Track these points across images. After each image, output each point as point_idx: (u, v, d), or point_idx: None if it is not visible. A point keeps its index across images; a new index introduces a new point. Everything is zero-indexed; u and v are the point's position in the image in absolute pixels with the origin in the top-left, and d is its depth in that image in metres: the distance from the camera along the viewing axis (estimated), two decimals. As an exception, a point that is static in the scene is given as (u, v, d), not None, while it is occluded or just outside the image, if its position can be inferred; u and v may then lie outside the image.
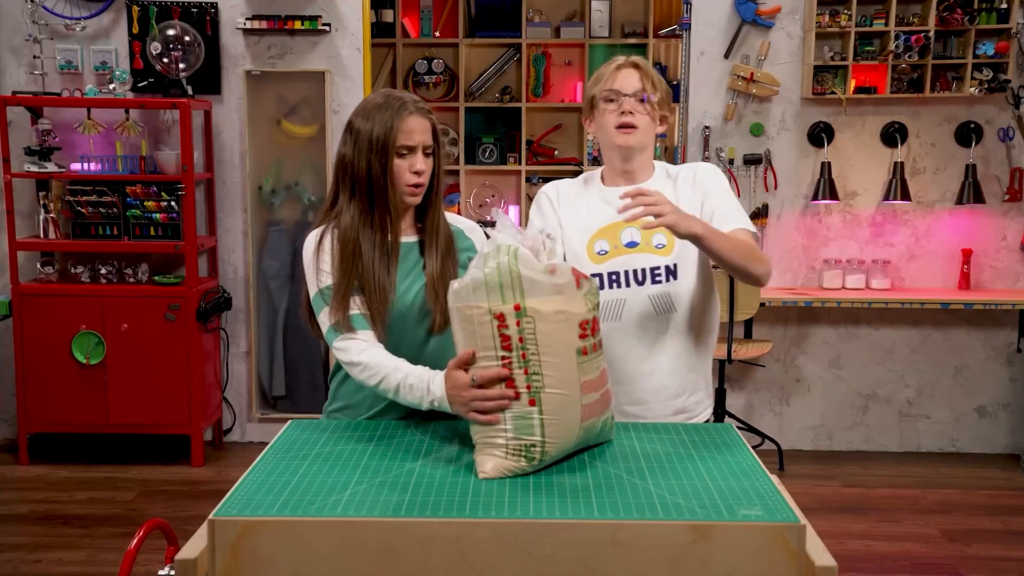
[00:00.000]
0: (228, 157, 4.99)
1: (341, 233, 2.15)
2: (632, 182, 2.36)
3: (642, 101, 2.30)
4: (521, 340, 1.77)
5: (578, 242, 2.35)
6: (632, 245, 2.32)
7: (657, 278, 2.31)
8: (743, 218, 2.32)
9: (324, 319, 2.11)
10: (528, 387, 1.78)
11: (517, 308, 1.77)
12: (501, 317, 1.77)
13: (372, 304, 2.11)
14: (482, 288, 1.78)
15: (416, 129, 2.12)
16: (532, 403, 1.78)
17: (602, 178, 2.43)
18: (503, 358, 1.78)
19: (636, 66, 2.33)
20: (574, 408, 1.81)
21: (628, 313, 2.32)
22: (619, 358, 2.31)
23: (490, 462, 1.79)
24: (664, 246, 2.31)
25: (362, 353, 2.05)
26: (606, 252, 2.32)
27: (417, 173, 2.12)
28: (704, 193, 2.33)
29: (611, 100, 2.32)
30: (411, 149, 2.12)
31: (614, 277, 2.32)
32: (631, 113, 2.30)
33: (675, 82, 6.04)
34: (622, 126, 2.31)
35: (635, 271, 2.31)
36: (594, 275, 2.28)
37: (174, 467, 4.76)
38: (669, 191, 2.34)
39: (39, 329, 4.67)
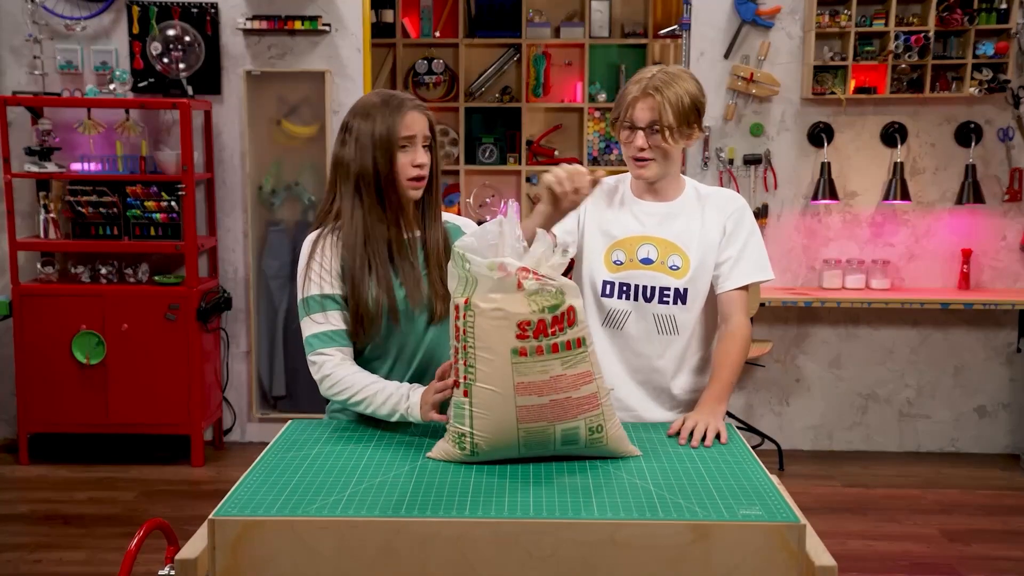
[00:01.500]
0: (228, 157, 4.99)
1: (345, 238, 2.18)
2: (659, 199, 2.37)
3: (657, 132, 2.25)
4: (464, 332, 1.84)
5: (599, 245, 2.37)
6: (647, 262, 2.33)
7: (665, 298, 2.32)
8: (761, 267, 2.34)
9: (306, 327, 2.19)
10: (464, 378, 1.85)
11: (466, 302, 1.83)
12: (457, 309, 1.85)
13: (380, 300, 2.15)
14: (453, 280, 1.87)
15: (415, 122, 2.18)
16: (465, 394, 1.85)
17: (632, 186, 2.42)
18: (454, 347, 1.87)
19: (651, 95, 2.24)
20: (506, 407, 1.81)
21: (631, 326, 2.34)
22: (612, 363, 2.34)
23: (439, 445, 1.92)
24: (679, 268, 2.32)
25: (336, 367, 2.14)
26: (621, 263, 2.34)
27: (418, 166, 2.18)
28: (727, 234, 2.34)
29: (628, 129, 2.29)
30: (410, 140, 2.17)
31: (624, 288, 2.34)
32: (644, 148, 2.27)
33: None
34: (637, 159, 2.30)
35: (645, 287, 2.33)
36: (606, 283, 2.34)
37: (174, 467, 4.76)
38: (696, 212, 2.36)
39: (39, 329, 4.67)
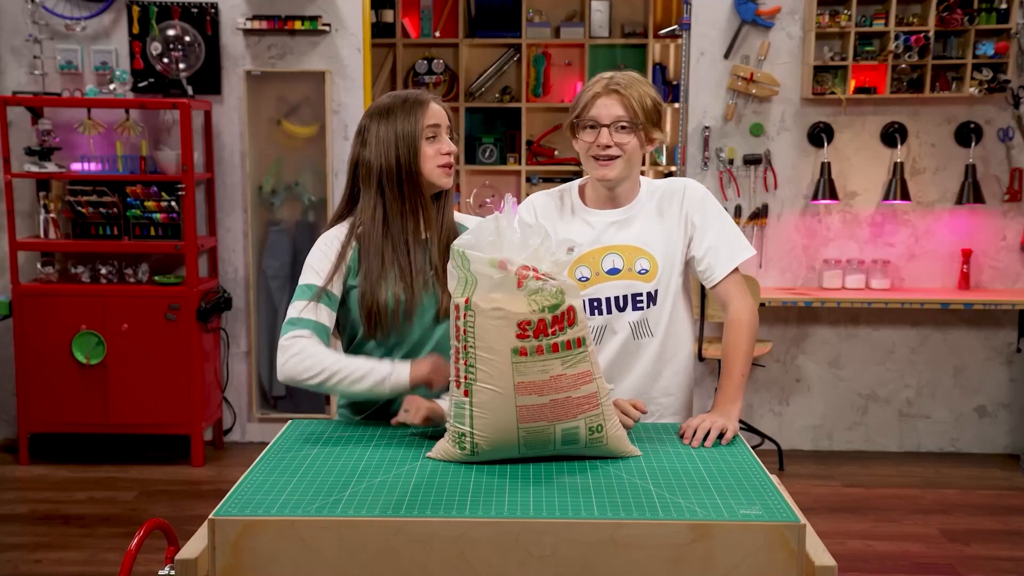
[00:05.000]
0: (228, 157, 4.99)
1: (366, 236, 2.20)
2: (616, 205, 2.32)
3: (623, 129, 2.21)
4: (464, 332, 1.83)
5: None
6: (614, 272, 2.28)
7: (639, 304, 2.28)
8: (739, 247, 2.29)
9: (294, 309, 2.15)
10: (465, 378, 1.84)
11: (466, 302, 1.83)
12: (457, 308, 1.85)
13: (398, 297, 2.16)
14: (453, 279, 1.87)
15: (437, 112, 2.21)
16: (465, 394, 1.85)
17: (581, 193, 2.37)
18: (455, 347, 1.86)
19: (616, 91, 2.21)
20: (506, 406, 1.81)
21: (608, 338, 2.30)
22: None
23: (439, 445, 1.92)
24: (647, 271, 2.28)
25: (307, 346, 2.10)
26: (587, 279, 2.29)
27: (446, 153, 2.19)
28: (695, 226, 2.28)
29: (590, 128, 2.24)
30: (436, 130, 2.19)
31: (596, 304, 2.29)
32: (609, 146, 2.21)
33: (675, 82, 6.05)
34: (600, 158, 2.23)
35: (616, 298, 2.28)
36: None
37: (174, 467, 4.76)
38: (653, 210, 2.31)
39: (39, 329, 4.67)
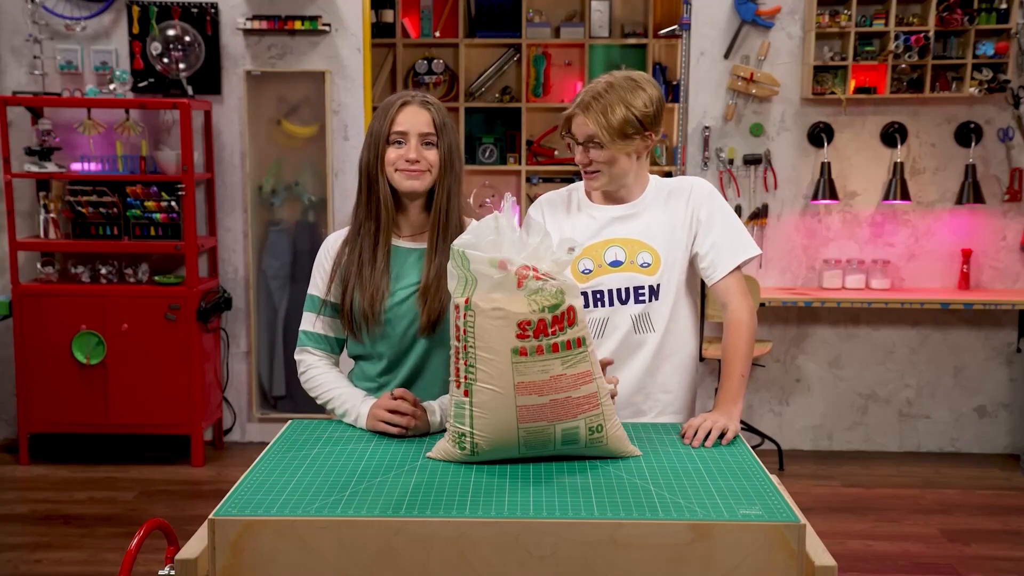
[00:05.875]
0: (228, 157, 4.99)
1: (349, 235, 2.24)
2: (622, 202, 2.35)
3: (595, 145, 2.23)
4: (464, 332, 1.84)
5: None
6: (616, 264, 2.30)
7: (641, 297, 2.29)
8: (744, 245, 2.30)
9: (303, 322, 2.29)
10: (465, 378, 1.85)
11: (466, 302, 1.83)
12: (457, 308, 1.85)
13: (364, 299, 2.16)
14: (452, 279, 1.87)
15: (408, 119, 2.15)
16: (466, 394, 1.85)
17: (588, 192, 2.40)
18: (455, 347, 1.87)
19: (581, 113, 2.23)
20: (506, 406, 1.81)
21: (611, 331, 2.31)
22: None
23: (439, 445, 1.93)
24: (649, 265, 2.29)
25: (311, 367, 2.27)
26: (590, 271, 2.31)
27: (409, 161, 2.14)
28: (700, 222, 2.30)
29: (572, 143, 2.29)
30: (403, 136, 2.15)
31: (598, 296, 2.30)
32: (587, 163, 2.26)
33: (675, 82, 6.05)
34: (585, 172, 2.30)
35: (619, 290, 2.30)
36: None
37: (174, 467, 4.76)
38: (659, 205, 2.33)
39: (39, 329, 4.67)
